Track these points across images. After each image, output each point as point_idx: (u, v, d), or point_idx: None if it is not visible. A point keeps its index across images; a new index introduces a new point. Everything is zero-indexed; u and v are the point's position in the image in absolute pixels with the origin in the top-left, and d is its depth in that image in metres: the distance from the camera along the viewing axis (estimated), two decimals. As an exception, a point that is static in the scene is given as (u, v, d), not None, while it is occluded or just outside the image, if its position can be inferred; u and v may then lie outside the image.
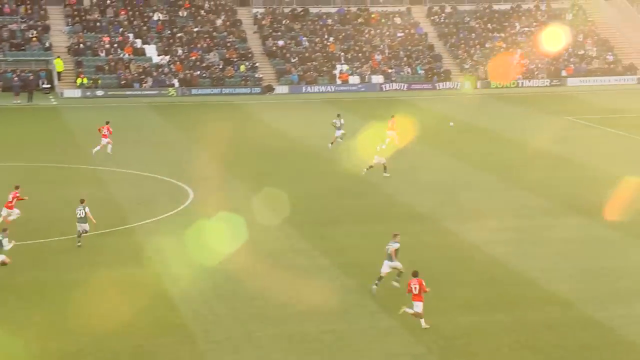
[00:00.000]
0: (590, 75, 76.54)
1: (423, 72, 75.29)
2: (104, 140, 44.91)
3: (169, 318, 24.32)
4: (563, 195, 37.17)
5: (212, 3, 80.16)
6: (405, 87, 73.54)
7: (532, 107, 62.20)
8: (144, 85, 70.86)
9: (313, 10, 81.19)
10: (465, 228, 32.57)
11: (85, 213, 30.19)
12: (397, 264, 26.29)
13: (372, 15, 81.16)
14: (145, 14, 77.83)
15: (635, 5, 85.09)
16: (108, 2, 77.96)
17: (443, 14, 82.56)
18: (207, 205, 35.41)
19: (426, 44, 78.91)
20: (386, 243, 26.56)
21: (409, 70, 75.60)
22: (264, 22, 79.17)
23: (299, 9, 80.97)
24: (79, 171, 42.03)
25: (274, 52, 76.07)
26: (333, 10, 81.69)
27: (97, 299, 25.51)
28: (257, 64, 74.47)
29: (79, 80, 70.06)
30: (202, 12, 79.24)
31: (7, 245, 27.18)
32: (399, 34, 79.67)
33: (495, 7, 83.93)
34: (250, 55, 75.45)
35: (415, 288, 24.01)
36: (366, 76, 74.39)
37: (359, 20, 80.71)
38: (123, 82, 70.60)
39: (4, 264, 27.03)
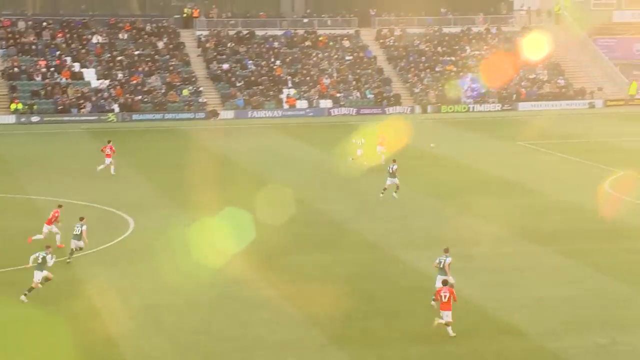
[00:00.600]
0: (542, 99, 77.88)
1: (372, 96, 75.89)
2: (108, 160, 46.83)
3: (109, 355, 23.98)
4: (515, 222, 37.62)
5: (153, 25, 79.97)
6: (354, 111, 73.99)
7: (483, 132, 63.00)
8: (82, 110, 70.23)
9: (259, 32, 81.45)
10: (415, 256, 32.74)
11: (82, 231, 31.53)
12: (450, 278, 26.98)
13: (320, 38, 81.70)
14: (84, 37, 77.32)
15: (586, 29, 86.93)
16: (44, 24, 77.32)
17: (392, 37, 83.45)
18: (148, 235, 35.09)
19: (375, 67, 79.59)
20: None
21: (358, 94, 76.13)
22: (208, 45, 79.16)
23: (245, 32, 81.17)
24: (14, 201, 41.43)
25: (218, 75, 76.05)
26: (280, 32, 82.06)
27: (33, 336, 25.04)
28: (201, 88, 74.35)
29: (13, 106, 69.18)
30: (144, 34, 78.98)
31: (51, 261, 28.48)
32: (347, 58, 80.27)
33: (445, 30, 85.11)
34: (193, 79, 75.32)
35: (445, 296, 25.11)
36: (314, 100, 74.71)
37: (307, 43, 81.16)
38: (60, 107, 69.89)
39: (47, 279, 28.20)
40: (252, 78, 76.05)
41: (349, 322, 26.20)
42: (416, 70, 79.47)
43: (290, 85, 76.12)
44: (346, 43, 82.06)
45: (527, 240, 34.93)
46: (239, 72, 76.75)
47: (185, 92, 73.50)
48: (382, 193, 41.44)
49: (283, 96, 74.65)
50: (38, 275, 28.04)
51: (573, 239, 35.12)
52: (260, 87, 75.23)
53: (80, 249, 31.63)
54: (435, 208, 40.26)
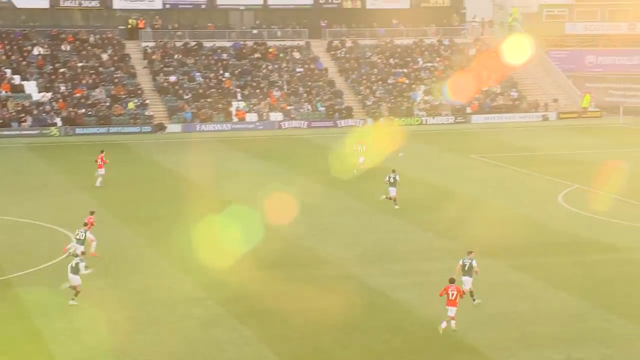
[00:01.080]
0: (495, 112, 78.82)
1: (324, 109, 76.15)
2: (101, 171, 47.84)
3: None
4: (469, 237, 37.93)
5: (97, 36, 79.42)
6: (306, 124, 74.15)
7: (436, 145, 63.54)
8: (23, 124, 69.42)
9: (207, 44, 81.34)
10: (368, 272, 32.87)
11: (86, 236, 32.79)
12: (470, 279, 28.92)
13: (270, 50, 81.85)
14: (25, 48, 76.52)
15: (539, 40, 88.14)
16: (-17, 35, 76.48)
17: (344, 49, 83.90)
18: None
19: (326, 79, 79.93)
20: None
21: (309, 107, 76.35)
22: (154, 57, 78.83)
23: (192, 43, 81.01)
24: (-49, 218, 40.83)
25: (165, 88, 75.75)
26: (228, 44, 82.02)
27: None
28: (147, 101, 73.97)
29: (-50, 119, 68.21)
30: (87, 45, 78.39)
31: (84, 270, 29.46)
32: (298, 69, 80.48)
33: (397, 41, 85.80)
34: (139, 92, 74.93)
35: (453, 294, 26.77)
36: (264, 113, 74.74)
37: (256, 54, 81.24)
38: (0, 121, 69.04)
39: (74, 289, 28.90)
40: (200, 90, 75.87)
41: (300, 340, 26.20)
42: (368, 83, 79.96)
43: (239, 97, 76.08)
44: (297, 55, 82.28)
45: (481, 255, 35.27)
46: (187, 85, 76.53)
47: (130, 105, 73.07)
48: (396, 204, 42.56)
49: (232, 109, 74.56)
50: (75, 279, 28.90)
51: (527, 253, 35.54)
52: (209, 99, 75.07)
53: (84, 253, 32.13)
54: (389, 223, 40.47)
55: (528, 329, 27.47)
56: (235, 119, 73.99)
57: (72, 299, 28.82)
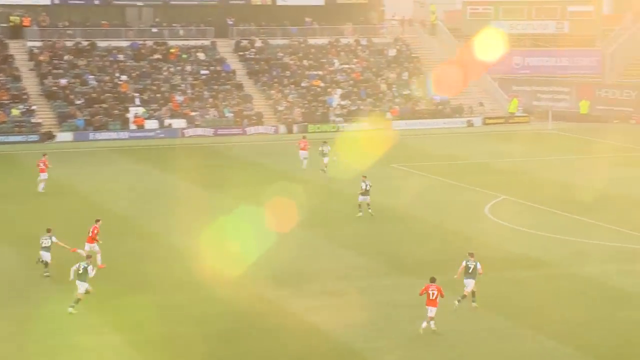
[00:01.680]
0: (417, 117, 79.67)
1: (232, 115, 75.93)
2: (43, 175, 49.11)
3: None
4: (388, 253, 38.22)
5: (-23, 35, 77.83)
6: (212, 132, 73.80)
7: (357, 154, 63.77)
8: None
9: (101, 44, 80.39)
10: (284, 294, 32.84)
11: (52, 242, 34.41)
12: (473, 282, 31.03)
13: (172, 50, 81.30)
14: None
15: (463, 40, 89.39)
16: None
17: (253, 49, 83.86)
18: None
19: (234, 82, 79.74)
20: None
21: (216, 113, 76.04)
22: (41, 58, 77.52)
23: (84, 43, 79.95)
24: None
25: (54, 92, 74.53)
26: (125, 44, 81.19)
27: None
28: (34, 107, 72.66)
29: None
30: (-34, 45, 76.76)
31: (92, 272, 30.83)
32: (202, 72, 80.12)
33: (311, 41, 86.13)
34: (25, 97, 73.56)
35: (433, 294, 28.67)
36: (165, 120, 74.16)
37: (156, 55, 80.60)
38: None
39: (87, 292, 30.35)
40: (94, 95, 74.89)
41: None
42: (280, 86, 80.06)
43: (138, 103, 75.33)
44: (201, 55, 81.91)
45: (403, 272, 35.51)
46: (79, 89, 75.45)
47: (15, 111, 71.64)
48: (361, 212, 44.16)
49: (130, 115, 73.77)
50: (82, 287, 30.43)
51: (451, 269, 35.96)
52: (103, 105, 74.15)
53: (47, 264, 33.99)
54: (302, 238, 40.49)
55: (454, 352, 27.70)
56: (133, 127, 73.20)
57: (72, 306, 30.27)
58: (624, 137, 71.34)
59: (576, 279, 34.79)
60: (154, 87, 77.26)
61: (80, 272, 30.51)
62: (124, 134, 72.05)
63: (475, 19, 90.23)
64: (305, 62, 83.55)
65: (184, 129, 73.76)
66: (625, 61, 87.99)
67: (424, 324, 28.66)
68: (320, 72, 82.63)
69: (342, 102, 79.65)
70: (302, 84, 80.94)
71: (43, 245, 34.45)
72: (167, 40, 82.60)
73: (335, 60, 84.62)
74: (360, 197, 44.75)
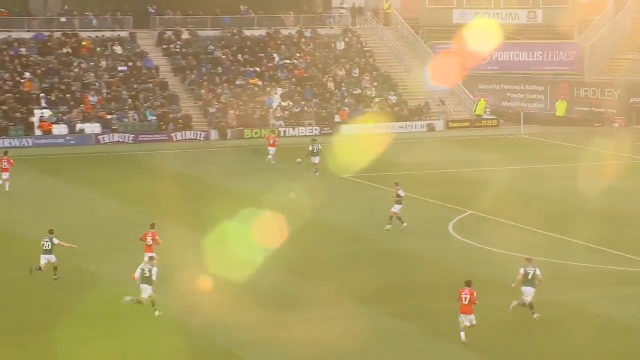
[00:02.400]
0: (370, 120, 79.70)
1: (155, 118, 75.53)
2: (5, 175, 51.77)
3: None
4: (340, 278, 38.18)
5: None
6: (132, 138, 73.39)
7: (295, 163, 63.71)
8: None
9: (0, 35, 79.57)
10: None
11: (53, 244, 37.15)
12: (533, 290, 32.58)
13: (84, 43, 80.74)
14: None
15: (422, 34, 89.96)
16: None
17: (179, 42, 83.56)
18: None
19: (158, 81, 79.36)
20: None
21: (136, 116, 75.58)
22: None
23: (-19, 34, 79.14)
24: None
25: (-54, 92, 73.64)
26: (28, 35, 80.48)
27: None
28: None
29: None
30: None
31: (155, 276, 33.17)
32: (120, 68, 79.67)
33: (247, 33, 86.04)
34: None
35: (466, 299, 30.20)
36: (77, 125, 73.55)
37: (65, 49, 79.98)
38: None
39: (152, 299, 33.02)
40: (-7, 96, 74.15)
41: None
42: (211, 85, 79.80)
43: (44, 104, 74.64)
44: (118, 49, 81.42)
45: (355, 300, 35.50)
46: (-25, 88, 74.65)
47: None
48: (402, 222, 45.70)
49: (35, 119, 73.07)
50: (147, 291, 32.99)
51: (410, 297, 35.94)
52: (3, 107, 73.39)
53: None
54: (237, 261, 40.34)
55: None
56: (39, 132, 72.48)
57: (156, 310, 32.79)
58: (606, 143, 72.13)
59: (553, 306, 34.94)
60: (63, 87, 76.59)
61: (147, 275, 33.01)
62: (27, 141, 71.33)
63: (435, 7, 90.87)
64: (240, 57, 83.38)
65: (99, 135, 73.21)
66: (606, 56, 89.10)
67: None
68: (258, 69, 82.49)
69: (284, 104, 79.60)
70: (237, 83, 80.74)
71: (44, 248, 37.19)
72: (78, 31, 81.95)
73: (276, 55, 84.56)
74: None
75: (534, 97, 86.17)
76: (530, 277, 32.62)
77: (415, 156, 66.86)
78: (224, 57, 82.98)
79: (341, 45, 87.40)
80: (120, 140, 73.14)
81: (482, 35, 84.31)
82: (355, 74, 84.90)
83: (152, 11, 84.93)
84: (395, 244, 43.72)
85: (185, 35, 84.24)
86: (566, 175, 60.42)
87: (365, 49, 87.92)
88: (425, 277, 38.74)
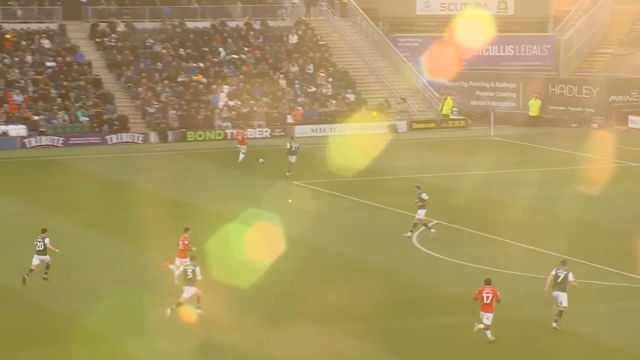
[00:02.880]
0: (325, 121, 79.75)
1: (87, 119, 75.09)
2: None
3: None
4: (291, 294, 38.14)
5: None
6: (61, 141, 72.91)
7: (244, 169, 63.55)
8: None
9: None
10: (145, 350, 32.60)
11: (45, 245, 38.63)
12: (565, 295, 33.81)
13: (7, 36, 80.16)
14: None
15: (383, 26, 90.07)
16: None
17: (114, 35, 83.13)
18: None
19: (91, 78, 78.92)
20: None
21: (66, 117, 75.10)
22: None
23: None
24: None
25: None
26: (-56, 27, 79.78)
27: None
28: None
29: None
30: None
31: (199, 275, 35.14)
32: (48, 64, 79.15)
33: (190, 25, 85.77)
34: None
35: (488, 297, 31.76)
36: (0, 126, 73.00)
37: (-13, 43, 79.40)
38: None
39: (198, 296, 35.10)
40: None
41: None
42: (150, 82, 79.46)
43: (-36, 104, 74.06)
44: (46, 43, 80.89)
45: (310, 319, 35.43)
46: None
47: None
48: (429, 228, 47.19)
49: (-47, 121, 72.47)
50: (189, 291, 34.92)
51: (370, 315, 35.90)
52: None
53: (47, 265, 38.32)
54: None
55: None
56: (-42, 135, 71.92)
57: (199, 308, 35.04)
58: (583, 145, 72.54)
59: (528, 325, 35.05)
60: (-14, 84, 76.04)
61: (190, 276, 34.83)
62: (-55, 145, 70.82)
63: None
64: (182, 52, 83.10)
65: (24, 137, 72.71)
66: (584, 50, 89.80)
67: (478, 326, 32.35)
68: (201, 64, 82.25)
69: (231, 103, 79.39)
70: (179, 80, 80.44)
71: (37, 248, 38.74)
72: (0, 22, 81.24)
73: (221, 49, 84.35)
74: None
75: (504, 95, 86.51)
76: (559, 280, 33.87)
77: (375, 160, 66.80)
78: (164, 51, 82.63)
79: (294, 39, 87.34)
80: (49, 144, 72.60)
81: (473, 26, 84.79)
82: (309, 69, 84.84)
83: (84, 1, 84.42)
84: (355, 257, 43.69)
85: (121, 27, 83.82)
86: (540, 181, 60.69)
87: (320, 42, 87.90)
88: (386, 292, 38.70)
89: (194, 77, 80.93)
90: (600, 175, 61.58)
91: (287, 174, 60.26)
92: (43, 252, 38.79)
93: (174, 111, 77.10)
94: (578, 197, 55.59)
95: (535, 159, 69.14)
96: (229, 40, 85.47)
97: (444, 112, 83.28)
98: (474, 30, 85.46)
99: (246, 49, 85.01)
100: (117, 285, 39.02)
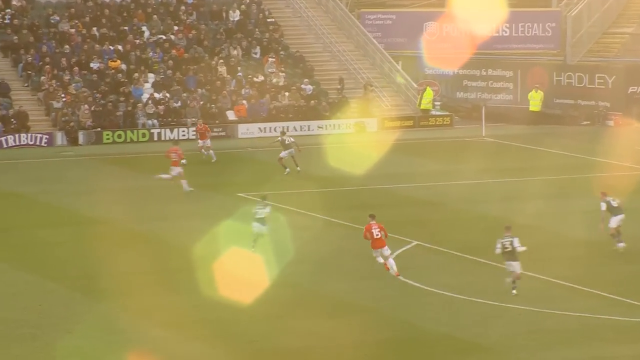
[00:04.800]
0: (277, 119, 79.75)
1: (-24, 116, 74.88)
2: None
3: None
4: (236, 338, 38.17)
5: None
6: (-58, 144, 72.83)
7: (182, 176, 63.33)
8: None
9: None
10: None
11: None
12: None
13: None
14: None
15: (347, 2, 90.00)
16: None
17: (9, 10, 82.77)
18: None
19: (-19, 64, 78.71)
20: None
21: (-50, 113, 74.88)
22: None
23: None
24: None
25: None
26: None
27: None
28: None
29: None
30: None
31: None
32: None
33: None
34: None
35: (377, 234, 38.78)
36: None
37: None
38: None
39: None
40: None
41: None
42: (56, 70, 79.17)
43: None
44: None
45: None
46: None
47: None
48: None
49: None
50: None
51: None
52: None
53: None
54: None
55: None
56: None
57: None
58: (596, 148, 72.85)
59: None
60: None
61: (508, 248, 40.92)
62: None
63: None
64: (95, 31, 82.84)
65: None
66: (596, 29, 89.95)
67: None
68: (120, 47, 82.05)
69: (157, 95, 79.23)
70: (92, 66, 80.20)
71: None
72: None
73: (145, 28, 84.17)
74: (284, 153, 63.91)
75: (499, 86, 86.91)
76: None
77: (339, 167, 66.85)
78: (72, 30, 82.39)
79: (235, 15, 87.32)
80: None
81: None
82: (255, 54, 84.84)
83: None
84: (314, 288, 43.68)
85: (18, 1, 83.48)
86: (543, 193, 60.78)
87: (269, 19, 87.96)
88: (352, 333, 38.64)
89: (111, 63, 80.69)
90: (618, 185, 61.78)
91: (298, 168, 65.20)
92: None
93: (87, 106, 76.83)
94: (589, 212, 55.55)
95: (536, 165, 69.25)
96: (154, 17, 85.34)
97: (423, 107, 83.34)
98: (460, 4, 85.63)
99: (176, 27, 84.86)
100: (13, 326, 38.79)
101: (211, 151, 68.70)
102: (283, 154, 64.75)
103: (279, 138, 66.00)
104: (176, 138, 74.12)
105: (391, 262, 43.45)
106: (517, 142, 76.82)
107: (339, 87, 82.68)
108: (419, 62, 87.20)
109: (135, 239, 50.16)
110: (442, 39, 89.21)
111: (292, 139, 65.60)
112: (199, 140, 69.49)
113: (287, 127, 76.21)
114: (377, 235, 43.11)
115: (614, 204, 44.26)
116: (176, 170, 59.73)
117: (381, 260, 43.32)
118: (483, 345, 37.51)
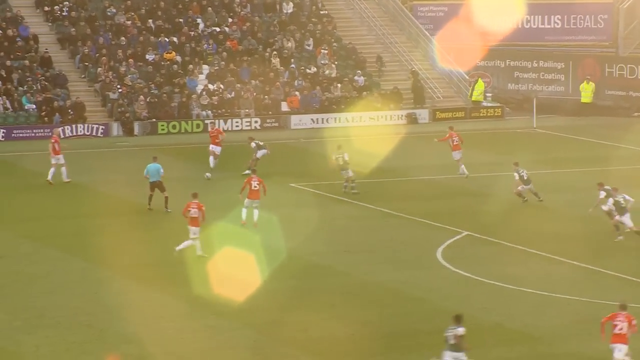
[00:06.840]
0: (329, 110, 79.69)
1: (34, 107, 75.09)
2: None
3: None
4: (284, 324, 38.22)
5: None
6: (2, 134, 73.00)
7: (229, 170, 63.44)
8: None
9: None
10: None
11: None
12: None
13: None
14: None
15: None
16: None
17: (67, 2, 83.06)
18: None
19: (38, 55, 78.87)
20: None
21: (8, 103, 75.14)
22: None
23: None
24: None
25: None
26: None
27: None
28: None
29: None
30: None
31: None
32: (-15, 39, 79.30)
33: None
34: None
35: (622, 327, 32.69)
36: None
37: None
38: None
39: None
40: None
41: None
42: (112, 61, 79.38)
43: None
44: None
45: (304, 354, 35.35)
46: None
47: None
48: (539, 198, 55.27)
49: None
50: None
51: (382, 351, 35.87)
52: None
53: None
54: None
55: None
56: None
57: None
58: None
59: (582, 360, 35.12)
60: None
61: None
62: None
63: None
64: (151, 24, 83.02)
65: (-46, 129, 72.94)
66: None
67: None
68: (175, 39, 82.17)
69: (211, 87, 79.30)
70: (148, 58, 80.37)
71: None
72: None
73: (200, 21, 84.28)
74: (343, 172, 57.85)
75: (550, 78, 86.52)
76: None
77: (389, 158, 66.73)
78: (128, 22, 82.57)
79: (289, 7, 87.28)
80: (-13, 137, 72.92)
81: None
82: (308, 46, 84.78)
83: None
84: (364, 278, 43.62)
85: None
86: (594, 185, 60.43)
87: (322, 11, 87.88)
88: (402, 323, 38.62)
89: (166, 55, 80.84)
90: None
91: (351, 188, 58.08)
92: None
93: (142, 97, 77.00)
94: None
95: (588, 155, 68.97)
96: (209, 9, 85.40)
97: (474, 99, 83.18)
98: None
99: (230, 20, 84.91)
100: (69, 313, 38.97)
101: (211, 157, 63.26)
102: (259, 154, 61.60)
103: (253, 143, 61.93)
104: (227, 128, 74.38)
105: (255, 212, 49.87)
106: (568, 133, 76.51)
107: (376, 65, 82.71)
108: (471, 54, 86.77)
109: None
110: (494, 31, 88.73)
111: (347, 155, 58.30)
112: (211, 145, 63.47)
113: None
114: (255, 187, 49.70)
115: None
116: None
117: (245, 214, 49.67)
118: (533, 335, 37.44)
